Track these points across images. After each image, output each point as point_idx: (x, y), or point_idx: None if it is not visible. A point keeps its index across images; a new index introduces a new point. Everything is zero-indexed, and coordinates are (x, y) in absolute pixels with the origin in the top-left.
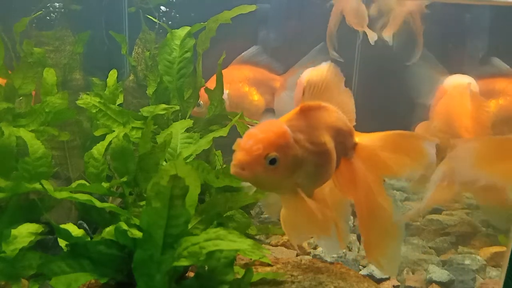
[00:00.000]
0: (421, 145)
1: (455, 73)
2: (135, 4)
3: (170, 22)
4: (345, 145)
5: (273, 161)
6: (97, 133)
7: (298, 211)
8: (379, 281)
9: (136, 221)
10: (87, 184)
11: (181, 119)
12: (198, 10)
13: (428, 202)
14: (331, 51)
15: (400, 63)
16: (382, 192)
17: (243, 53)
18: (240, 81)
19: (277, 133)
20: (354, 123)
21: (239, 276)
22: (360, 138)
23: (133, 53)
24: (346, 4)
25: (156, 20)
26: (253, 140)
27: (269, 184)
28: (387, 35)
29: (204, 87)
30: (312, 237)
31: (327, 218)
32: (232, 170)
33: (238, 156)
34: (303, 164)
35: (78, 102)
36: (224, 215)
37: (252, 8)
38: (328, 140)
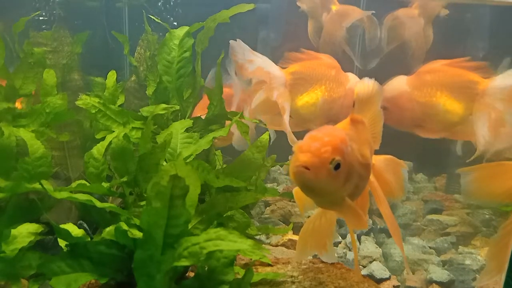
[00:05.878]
0: (401, 170)
1: None
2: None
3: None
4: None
5: (337, 166)
6: (98, 136)
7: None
8: (379, 281)
9: (136, 221)
10: (87, 184)
11: (180, 119)
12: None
13: None
14: None
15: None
16: None
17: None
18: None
19: (341, 138)
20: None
21: (239, 276)
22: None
23: (135, 54)
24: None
25: (157, 20)
26: (319, 142)
27: (326, 190)
28: None
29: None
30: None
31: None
32: (295, 170)
33: (303, 157)
34: (354, 174)
35: (77, 102)
36: (224, 215)
37: (251, 6)
38: (369, 155)
